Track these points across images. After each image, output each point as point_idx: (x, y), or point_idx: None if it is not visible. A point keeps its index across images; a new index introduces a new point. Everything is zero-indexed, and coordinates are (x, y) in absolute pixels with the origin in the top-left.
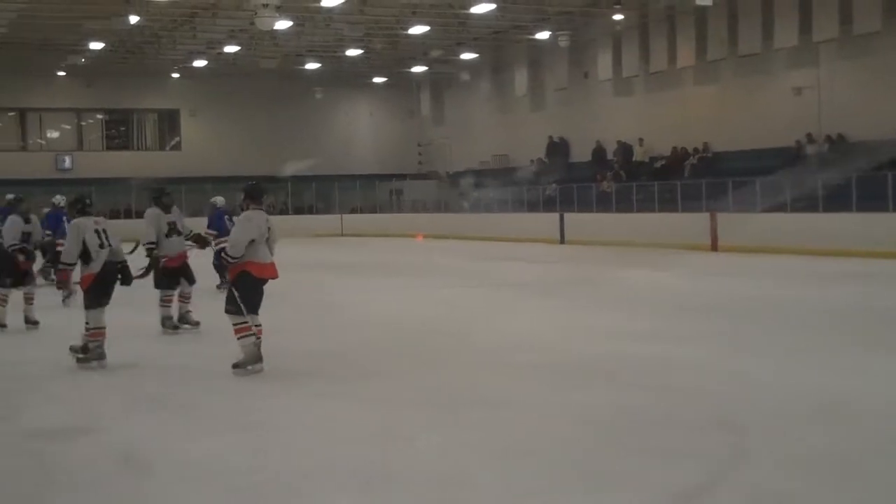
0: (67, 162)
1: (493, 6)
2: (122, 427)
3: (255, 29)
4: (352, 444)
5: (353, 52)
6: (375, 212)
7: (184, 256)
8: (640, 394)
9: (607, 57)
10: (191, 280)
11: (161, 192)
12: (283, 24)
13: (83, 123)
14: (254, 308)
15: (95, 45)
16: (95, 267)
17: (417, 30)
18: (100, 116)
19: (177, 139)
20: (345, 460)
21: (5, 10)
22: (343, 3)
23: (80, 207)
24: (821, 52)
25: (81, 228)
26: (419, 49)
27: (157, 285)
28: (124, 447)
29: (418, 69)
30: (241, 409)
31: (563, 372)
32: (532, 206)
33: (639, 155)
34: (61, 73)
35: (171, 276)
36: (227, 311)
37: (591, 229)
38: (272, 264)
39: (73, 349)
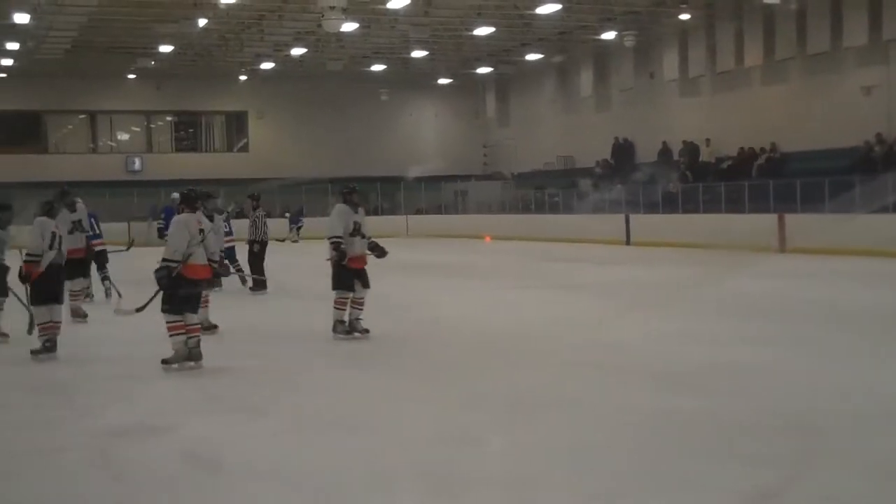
0: (137, 164)
1: (558, 6)
2: (190, 426)
3: (321, 31)
4: (421, 446)
5: (418, 54)
6: (441, 213)
7: (83, 252)
8: (713, 397)
9: (673, 57)
10: (86, 274)
11: (63, 194)
12: (349, 27)
13: (152, 126)
14: (189, 308)
15: (164, 48)
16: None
17: (482, 31)
18: (169, 118)
19: (244, 141)
20: (413, 462)
21: (76, 13)
22: (408, 5)
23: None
24: (890, 51)
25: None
26: (484, 50)
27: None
28: (192, 446)
29: (483, 70)
30: (309, 409)
31: (635, 375)
32: (598, 207)
33: (705, 155)
34: (131, 76)
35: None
36: (162, 311)
37: (656, 230)
38: (205, 266)
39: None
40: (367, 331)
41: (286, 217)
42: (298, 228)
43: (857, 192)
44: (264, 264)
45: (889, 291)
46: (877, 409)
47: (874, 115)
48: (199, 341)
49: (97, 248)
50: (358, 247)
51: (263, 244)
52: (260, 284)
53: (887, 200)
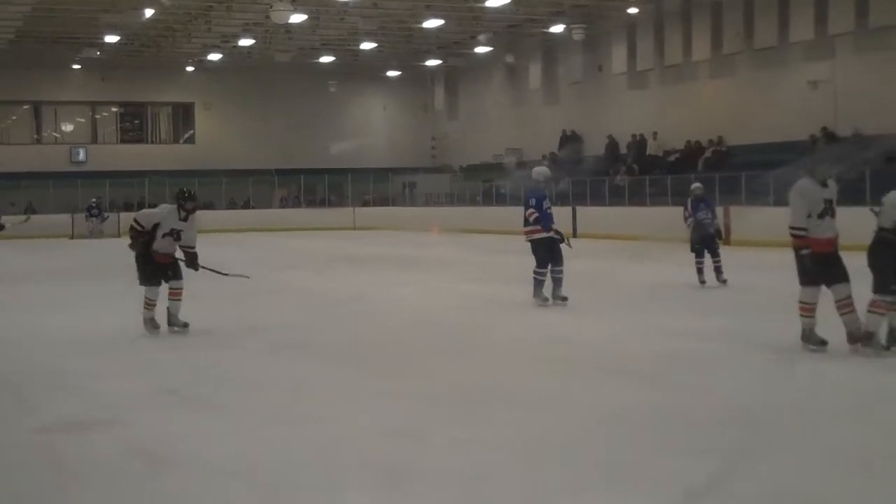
0: (82, 155)
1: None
2: (141, 421)
3: (269, 22)
4: (375, 440)
5: (367, 46)
6: (388, 205)
7: None
8: (663, 390)
9: (622, 50)
10: None
11: None
12: (297, 18)
13: (98, 116)
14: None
15: (110, 39)
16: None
17: (431, 23)
18: (114, 109)
19: (191, 132)
20: (367, 457)
21: (21, 3)
22: None
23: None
24: (836, 46)
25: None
26: (433, 42)
27: None
28: (140, 442)
29: (432, 62)
30: (263, 404)
31: (586, 368)
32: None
33: (652, 149)
34: (76, 67)
35: None
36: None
37: (603, 223)
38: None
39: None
40: None
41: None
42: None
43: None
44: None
45: None
46: (823, 402)
47: (820, 110)
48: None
49: None
50: None
51: None
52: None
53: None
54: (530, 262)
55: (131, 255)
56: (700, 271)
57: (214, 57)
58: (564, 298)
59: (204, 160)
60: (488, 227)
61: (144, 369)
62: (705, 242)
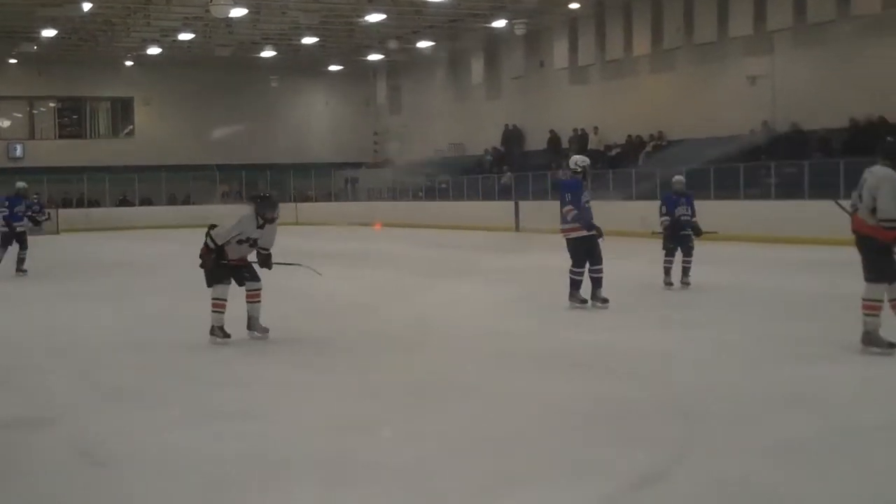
0: (19, 150)
1: None
2: (82, 419)
3: (209, 17)
4: (318, 435)
5: (308, 41)
6: (331, 200)
7: None
8: (607, 382)
9: (563, 45)
10: None
11: None
12: (238, 12)
13: (35, 111)
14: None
15: (47, 33)
16: None
17: (373, 17)
18: (52, 104)
19: (130, 127)
20: (310, 451)
21: None
22: None
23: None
24: (775, 41)
25: None
26: (375, 37)
27: None
28: (84, 440)
29: (375, 57)
30: (207, 401)
31: (530, 361)
32: (488, 195)
33: (594, 143)
34: (12, 61)
35: None
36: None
37: (545, 217)
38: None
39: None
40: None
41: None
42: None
43: (740, 179)
44: None
45: (778, 277)
46: (764, 393)
47: (759, 104)
48: None
49: None
50: None
51: None
52: None
53: (770, 187)
54: (474, 256)
55: (78, 253)
56: (667, 272)
57: (154, 51)
58: (605, 300)
59: (144, 156)
60: (431, 222)
61: (90, 367)
62: (681, 241)
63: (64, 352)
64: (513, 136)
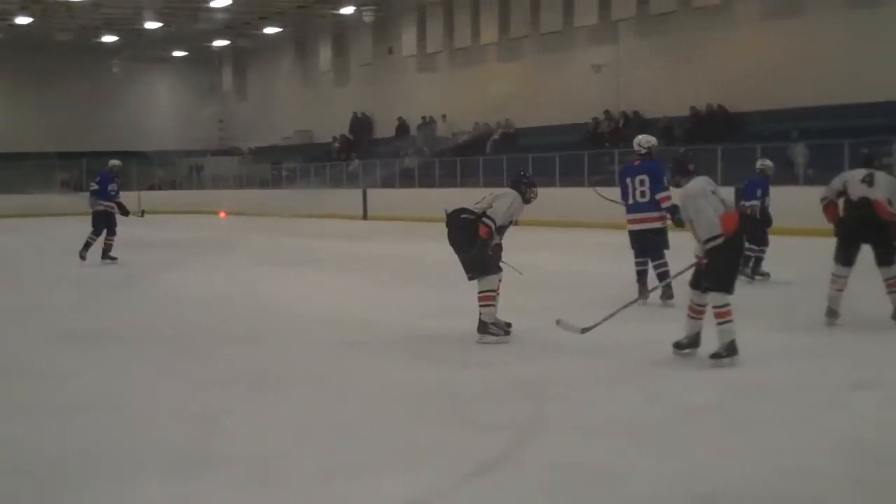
0: None
1: None
2: None
3: (48, 0)
4: (164, 425)
5: (151, 25)
6: (175, 188)
7: None
8: (452, 368)
9: (412, 33)
10: None
11: None
12: None
13: None
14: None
15: None
16: None
17: (218, 2)
18: None
19: None
20: (155, 441)
21: None
22: None
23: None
24: (619, 31)
25: None
26: (221, 22)
27: None
28: None
29: (220, 43)
30: (45, 395)
31: (377, 349)
32: (336, 182)
33: (442, 131)
34: None
35: None
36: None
37: (393, 205)
38: None
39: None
40: None
41: None
42: None
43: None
44: None
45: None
46: (600, 373)
47: (603, 93)
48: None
49: None
50: None
51: None
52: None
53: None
54: (321, 244)
55: None
56: (759, 262)
57: None
58: (670, 296)
59: None
60: (278, 211)
61: None
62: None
63: None
64: (361, 124)
